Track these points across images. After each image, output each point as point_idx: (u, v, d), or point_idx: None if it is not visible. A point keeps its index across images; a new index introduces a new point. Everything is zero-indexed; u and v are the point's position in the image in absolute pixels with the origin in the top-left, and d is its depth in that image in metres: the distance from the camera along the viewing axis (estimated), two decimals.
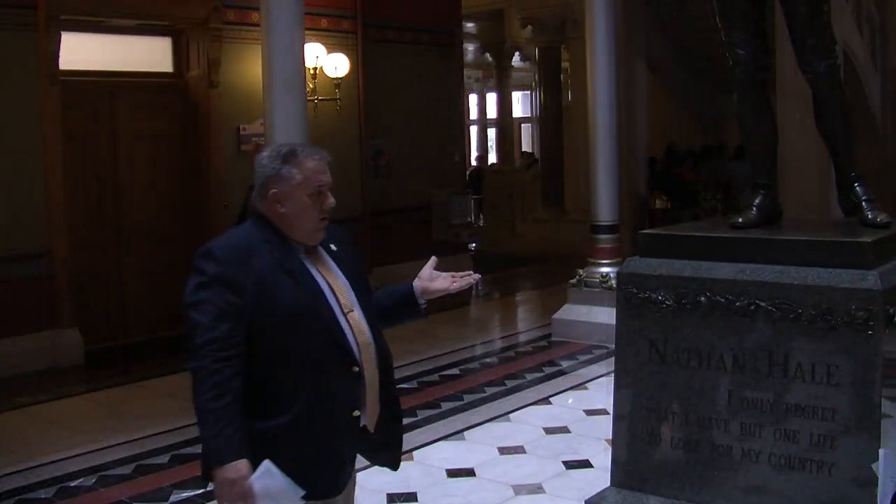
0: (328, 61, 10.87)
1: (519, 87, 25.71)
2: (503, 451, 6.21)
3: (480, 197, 18.86)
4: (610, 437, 4.20)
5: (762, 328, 3.68)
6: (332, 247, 3.28)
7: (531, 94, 26.20)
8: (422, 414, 7.06)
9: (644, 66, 14.35)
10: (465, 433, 6.59)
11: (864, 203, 4.11)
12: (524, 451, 6.19)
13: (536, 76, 19.94)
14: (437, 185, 12.76)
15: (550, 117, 16.91)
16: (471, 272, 3.54)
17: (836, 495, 3.52)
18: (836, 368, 3.52)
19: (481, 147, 26.30)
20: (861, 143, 4.58)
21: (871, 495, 3.43)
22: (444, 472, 5.85)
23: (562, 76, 17.48)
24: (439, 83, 13.09)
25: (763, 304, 3.67)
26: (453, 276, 3.50)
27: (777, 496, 3.66)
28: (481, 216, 19.06)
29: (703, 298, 3.82)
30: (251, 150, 10.02)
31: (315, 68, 10.58)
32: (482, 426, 6.76)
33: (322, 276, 3.18)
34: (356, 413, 3.15)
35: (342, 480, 3.18)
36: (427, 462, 5.99)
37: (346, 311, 3.17)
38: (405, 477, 5.49)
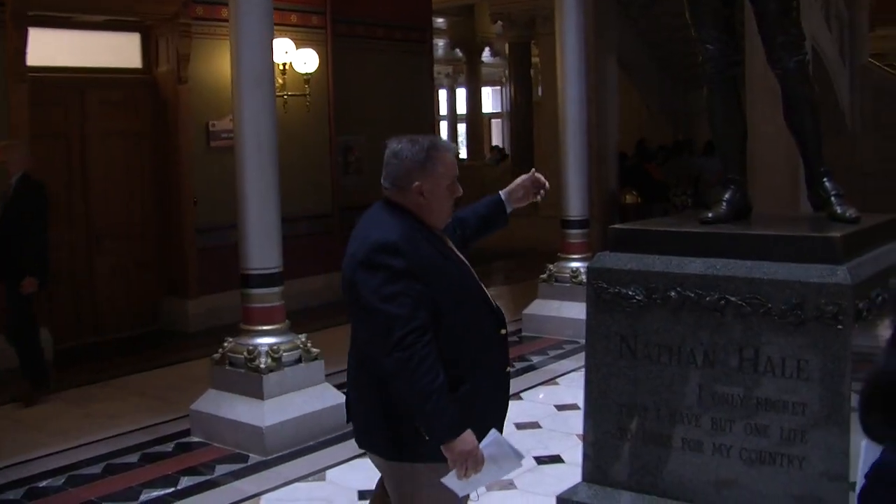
0: (297, 57, 10.80)
1: (489, 83, 25.79)
2: None
3: None
4: (581, 432, 4.21)
5: (732, 323, 3.69)
6: None
7: (501, 90, 26.32)
8: None
9: (615, 63, 14.37)
10: None
11: (833, 198, 4.14)
12: None
13: (507, 72, 19.99)
14: None
15: (521, 113, 16.92)
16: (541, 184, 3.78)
17: (807, 489, 3.54)
18: (806, 363, 3.54)
19: (451, 142, 26.32)
20: (830, 139, 4.60)
21: (842, 488, 3.46)
22: None
23: (532, 72, 17.51)
24: (410, 79, 13.05)
25: (733, 298, 3.69)
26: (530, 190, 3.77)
27: (748, 490, 3.68)
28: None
29: (673, 293, 3.83)
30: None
31: (284, 64, 10.52)
32: None
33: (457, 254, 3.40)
34: (509, 369, 3.45)
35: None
36: None
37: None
38: (376, 475, 5.45)
